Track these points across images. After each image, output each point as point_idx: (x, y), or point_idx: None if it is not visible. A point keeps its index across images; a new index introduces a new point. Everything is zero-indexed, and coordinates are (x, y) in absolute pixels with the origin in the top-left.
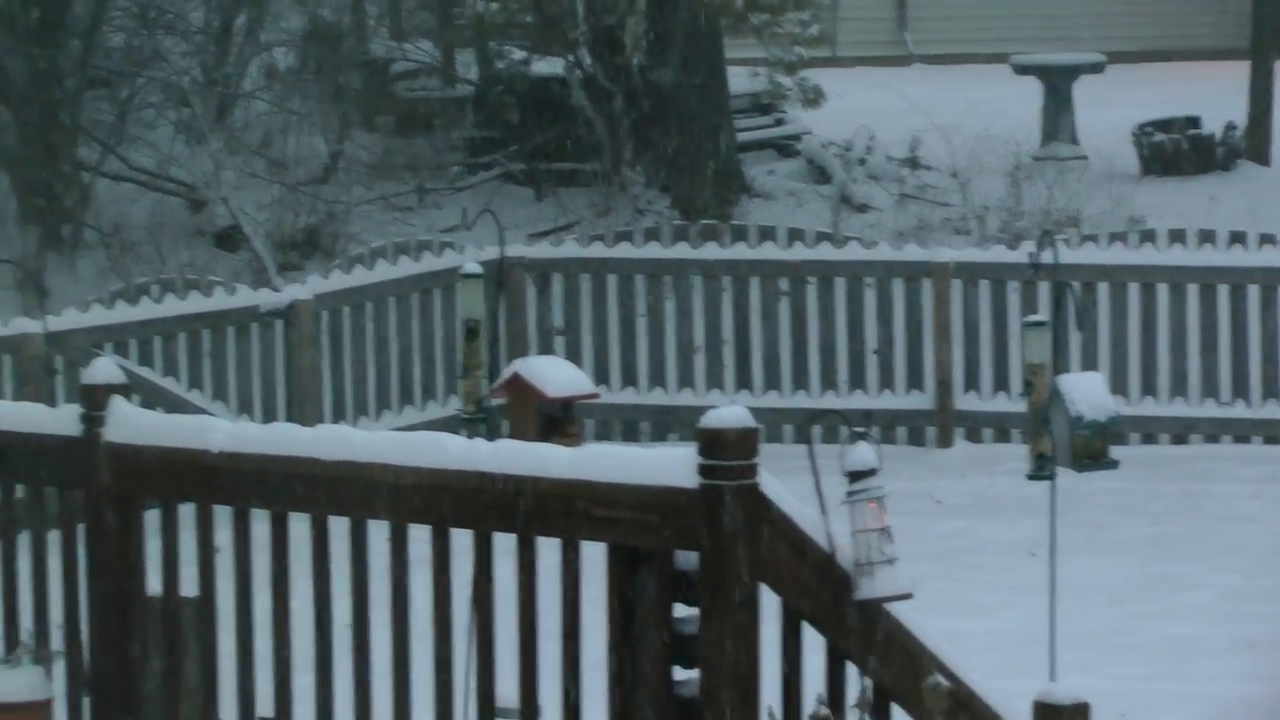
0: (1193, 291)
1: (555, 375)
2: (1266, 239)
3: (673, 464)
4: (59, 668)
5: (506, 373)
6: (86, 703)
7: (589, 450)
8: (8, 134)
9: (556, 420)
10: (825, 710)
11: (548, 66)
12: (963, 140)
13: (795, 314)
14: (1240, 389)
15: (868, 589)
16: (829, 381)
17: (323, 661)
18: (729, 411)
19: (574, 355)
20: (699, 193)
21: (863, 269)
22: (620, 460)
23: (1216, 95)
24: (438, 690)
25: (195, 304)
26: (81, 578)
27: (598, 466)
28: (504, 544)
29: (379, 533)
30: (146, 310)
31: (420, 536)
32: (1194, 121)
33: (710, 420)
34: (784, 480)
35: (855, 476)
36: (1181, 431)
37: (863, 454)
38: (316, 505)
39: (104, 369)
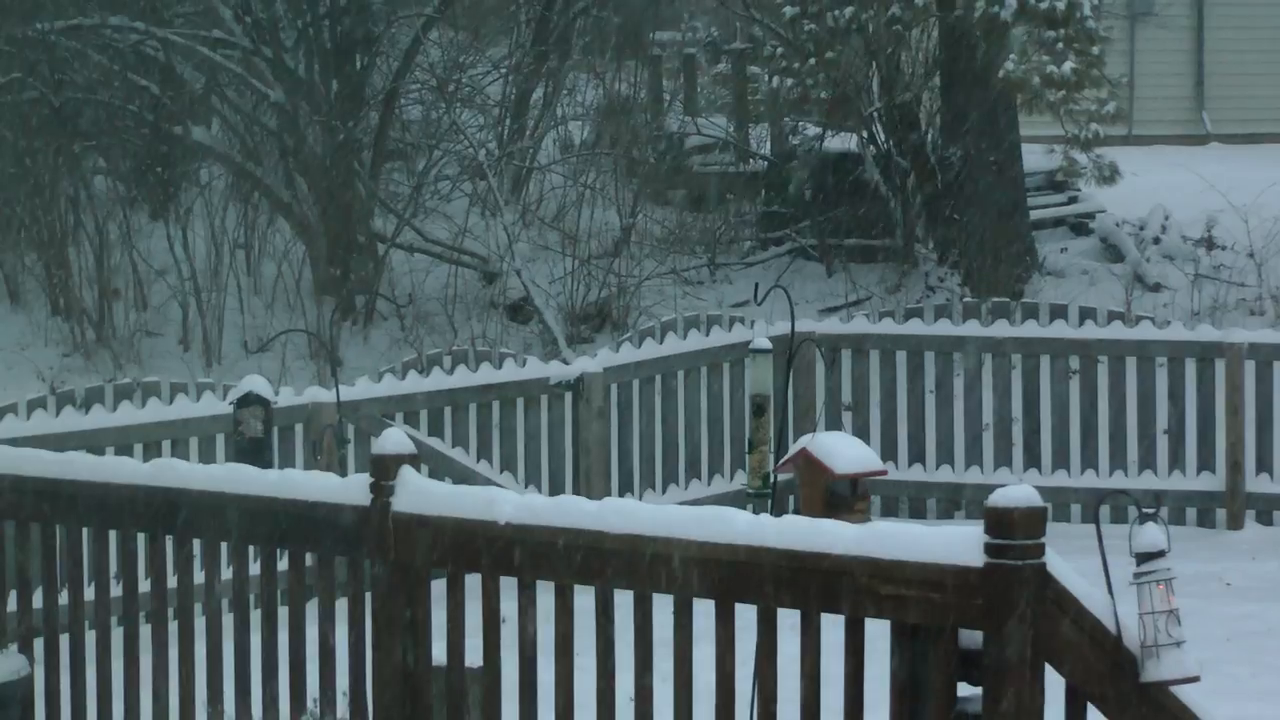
0: None
1: (844, 452)
2: None
3: (959, 542)
4: None
5: (794, 448)
6: None
7: (875, 527)
8: (305, 205)
9: (844, 496)
10: None
11: (841, 143)
12: (1260, 221)
13: (1085, 393)
14: None
15: (1154, 671)
16: (1118, 461)
17: None
18: (1017, 491)
19: (862, 431)
20: (991, 270)
21: (1154, 348)
22: (906, 538)
23: None
24: None
25: (485, 375)
26: (368, 646)
27: (884, 544)
28: (788, 619)
29: (663, 605)
30: (437, 381)
31: (705, 610)
32: None
33: (998, 499)
34: (1071, 560)
35: (1144, 558)
36: None
37: (1152, 535)
38: (602, 577)
39: (394, 440)
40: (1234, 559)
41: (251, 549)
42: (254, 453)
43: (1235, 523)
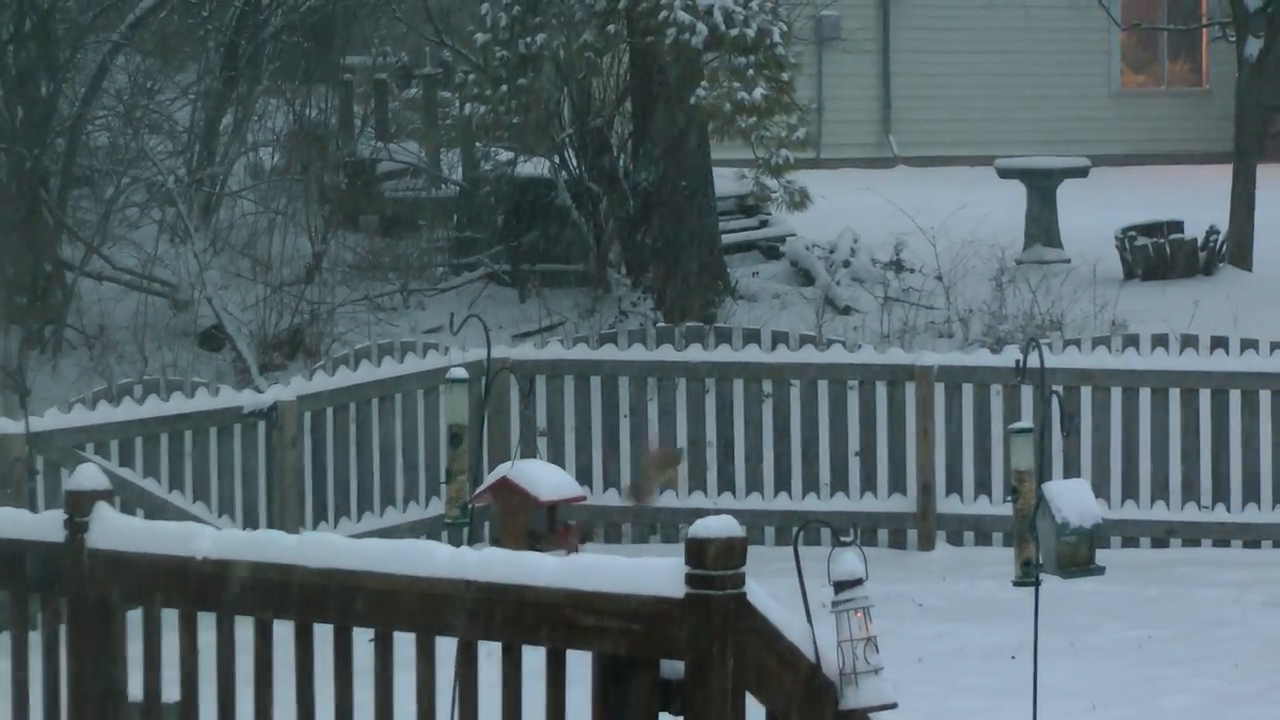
0: (1175, 396)
1: (543, 479)
2: (1249, 344)
3: (660, 574)
4: None
5: (492, 477)
6: None
7: (577, 559)
8: None
9: (546, 525)
10: None
11: (534, 168)
12: (947, 243)
13: (778, 416)
14: (1220, 493)
15: (853, 699)
16: (811, 483)
17: None
18: (716, 522)
19: (557, 458)
20: (683, 294)
21: (846, 372)
22: (608, 569)
23: (1199, 198)
24: None
25: (178, 405)
26: (63, 683)
27: (586, 576)
28: (492, 646)
29: (364, 635)
30: (128, 411)
31: (407, 639)
32: (1177, 226)
33: (698, 530)
34: (765, 582)
35: (842, 586)
36: (1163, 535)
37: (849, 563)
38: (302, 611)
39: (89, 475)
40: (925, 579)
41: None
42: None
43: (926, 543)
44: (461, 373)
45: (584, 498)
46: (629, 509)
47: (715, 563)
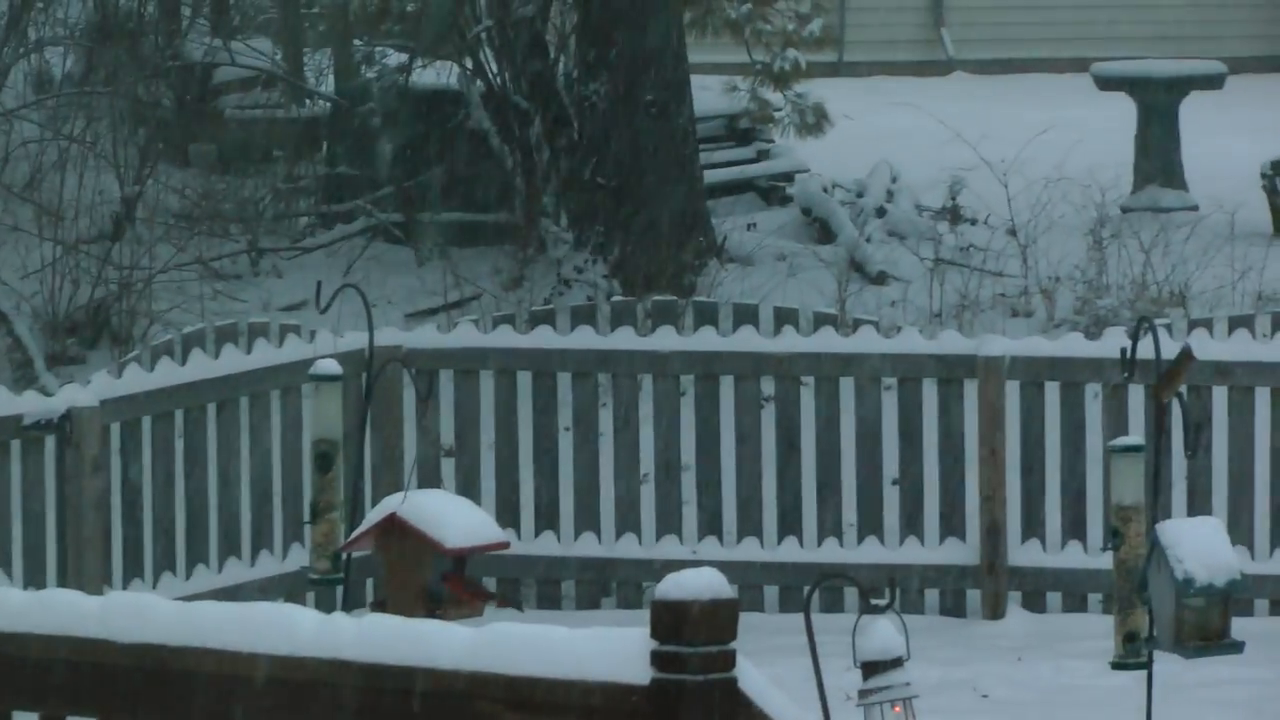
0: None
1: (449, 518)
2: None
3: (617, 650)
4: None
5: (376, 514)
6: None
7: (499, 630)
8: None
9: (451, 582)
10: None
11: (436, 76)
12: (1024, 183)
13: (784, 429)
14: None
15: None
16: (831, 524)
17: None
18: (695, 577)
19: (470, 488)
20: (650, 255)
21: (880, 365)
22: (544, 644)
23: None
24: None
25: None
26: None
27: (512, 652)
28: None
29: None
30: None
31: None
32: None
33: (670, 590)
34: (765, 663)
35: (874, 668)
36: None
37: (884, 637)
38: (107, 704)
39: None
40: (992, 660)
41: None
42: None
43: (994, 608)
44: (333, 367)
45: (506, 544)
46: (573, 560)
47: (694, 635)
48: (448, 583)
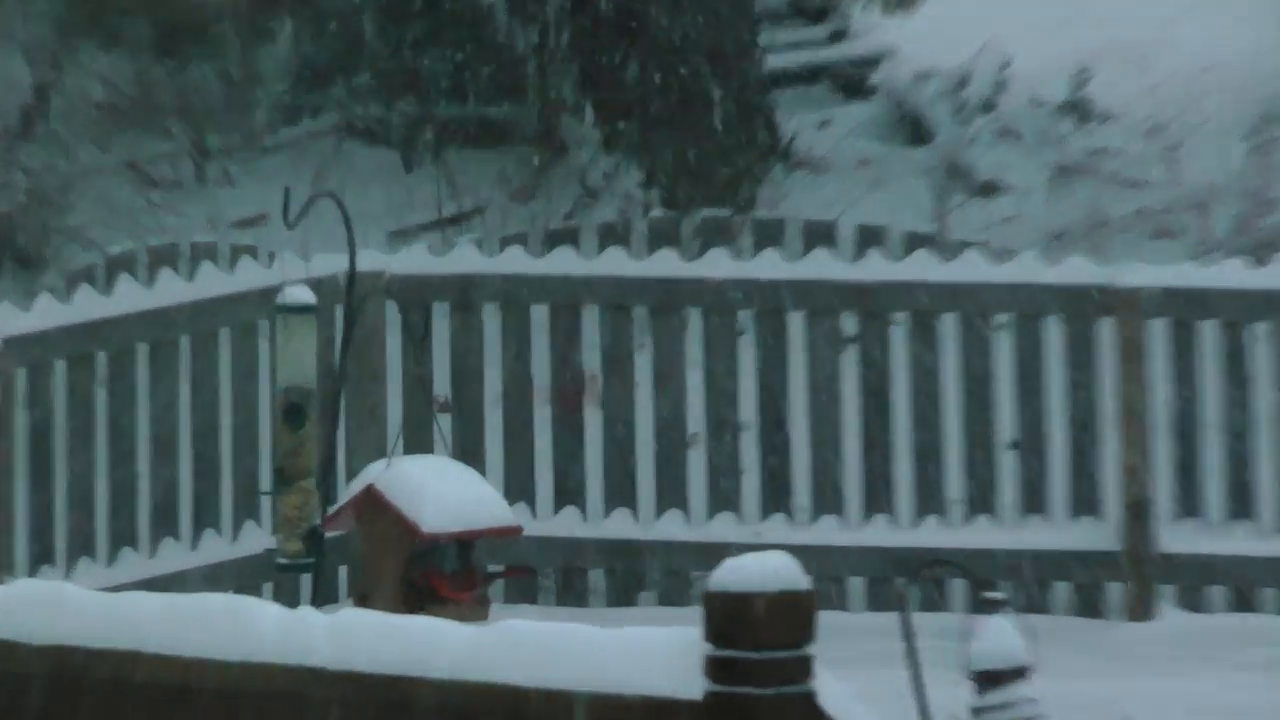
0: None
1: (443, 491)
2: None
3: (660, 655)
4: None
5: (356, 484)
6: None
7: (508, 629)
8: None
9: (446, 570)
10: None
11: None
12: (1169, 72)
13: (868, 378)
14: None
15: None
16: (929, 500)
17: None
18: (759, 562)
19: (473, 452)
20: (698, 160)
21: (990, 298)
22: (565, 648)
23: None
24: None
25: None
26: None
27: (525, 657)
28: None
29: None
30: None
31: None
32: None
33: (726, 579)
34: (851, 675)
35: (990, 680)
36: None
37: (1000, 640)
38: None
39: None
40: (1138, 670)
41: None
42: None
43: (1140, 606)
44: (306, 295)
45: (517, 529)
46: (602, 544)
47: (759, 637)
48: (428, 576)
